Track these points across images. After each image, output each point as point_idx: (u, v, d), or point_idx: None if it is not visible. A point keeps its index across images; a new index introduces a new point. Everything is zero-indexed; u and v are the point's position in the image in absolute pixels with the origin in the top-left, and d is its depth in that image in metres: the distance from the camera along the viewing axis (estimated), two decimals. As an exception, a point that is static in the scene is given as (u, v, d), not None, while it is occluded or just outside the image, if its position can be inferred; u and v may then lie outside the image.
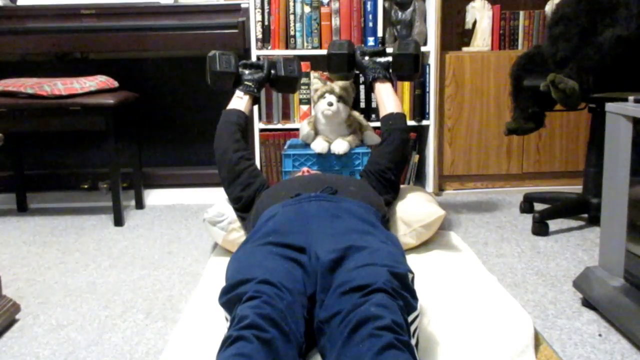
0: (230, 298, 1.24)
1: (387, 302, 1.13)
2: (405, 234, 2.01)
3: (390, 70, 2.19)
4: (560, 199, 2.59)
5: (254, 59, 2.81)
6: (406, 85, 2.87)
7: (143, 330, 1.62)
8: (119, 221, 2.60)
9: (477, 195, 3.00)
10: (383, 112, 2.17)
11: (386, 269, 1.22)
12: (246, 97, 2.17)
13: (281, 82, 2.23)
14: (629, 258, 1.58)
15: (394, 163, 2.05)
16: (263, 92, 2.83)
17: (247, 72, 2.21)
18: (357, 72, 2.28)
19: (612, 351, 1.45)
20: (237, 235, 2.02)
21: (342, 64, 2.17)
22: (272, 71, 2.22)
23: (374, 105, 2.87)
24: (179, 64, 3.14)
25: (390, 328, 1.06)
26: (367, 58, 2.20)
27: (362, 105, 2.87)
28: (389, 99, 2.17)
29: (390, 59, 2.18)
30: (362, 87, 2.85)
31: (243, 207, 1.97)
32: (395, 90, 2.82)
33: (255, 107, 2.81)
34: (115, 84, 2.75)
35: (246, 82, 2.18)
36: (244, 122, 2.14)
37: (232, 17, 2.81)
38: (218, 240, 2.08)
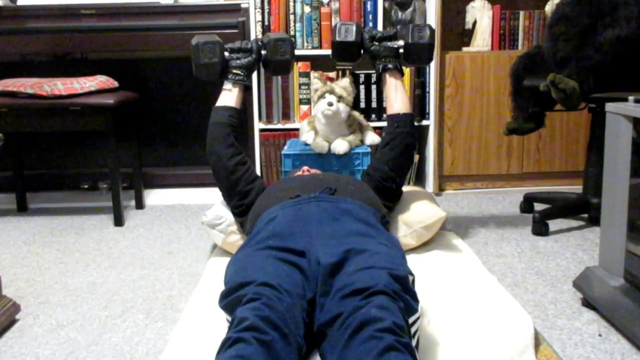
0: (230, 301, 1.23)
1: (387, 305, 1.12)
2: (406, 235, 2.01)
3: (402, 57, 2.07)
4: (560, 199, 2.59)
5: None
6: (406, 86, 2.87)
7: (143, 330, 1.62)
8: (119, 221, 2.60)
9: (477, 195, 2.99)
10: (390, 110, 2.06)
11: (386, 272, 1.21)
12: (235, 89, 2.02)
13: (273, 64, 2.06)
14: (629, 258, 1.58)
15: (395, 171, 1.98)
16: (263, 93, 2.83)
17: (234, 57, 2.03)
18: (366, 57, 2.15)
19: (612, 351, 1.45)
20: (236, 237, 2.02)
21: (349, 51, 2.06)
22: (263, 51, 2.05)
23: (374, 105, 2.87)
24: (179, 64, 3.14)
25: (391, 330, 1.06)
26: (376, 43, 2.05)
27: (362, 105, 2.86)
28: (397, 95, 2.04)
29: (401, 42, 2.04)
30: (362, 87, 2.85)
31: (242, 212, 1.95)
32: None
33: (255, 107, 2.81)
34: (115, 84, 2.75)
35: (234, 71, 2.01)
36: (236, 120, 2.01)
37: (232, 17, 2.81)
38: (217, 243, 2.08)
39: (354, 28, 2.04)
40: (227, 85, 2.03)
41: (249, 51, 2.03)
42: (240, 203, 1.94)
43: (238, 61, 2.02)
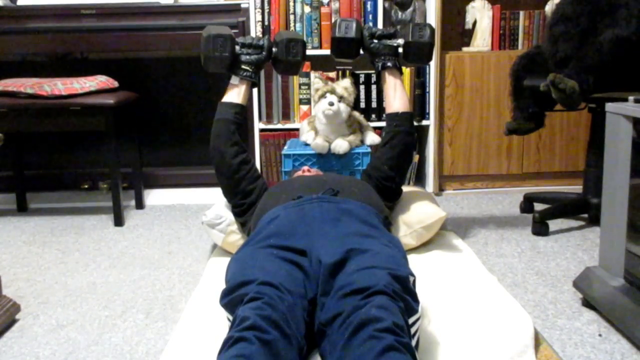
0: (231, 299, 1.24)
1: (387, 304, 1.12)
2: (406, 235, 2.01)
3: (401, 57, 2.05)
4: (560, 199, 2.59)
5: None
6: (406, 86, 2.87)
7: (143, 330, 1.62)
8: (119, 221, 2.60)
9: (477, 195, 2.99)
10: (389, 109, 2.06)
11: (387, 272, 1.21)
12: (243, 85, 1.99)
13: (283, 64, 2.04)
14: (629, 258, 1.58)
15: (395, 170, 1.99)
16: (263, 93, 2.83)
17: (244, 52, 2.00)
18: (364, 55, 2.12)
19: (612, 351, 1.45)
20: (237, 237, 2.02)
21: (348, 48, 2.03)
22: (274, 49, 2.02)
23: (374, 105, 2.87)
24: (179, 64, 3.14)
25: (391, 330, 1.06)
26: (375, 41, 2.03)
27: (362, 105, 2.86)
28: (396, 94, 2.04)
29: (400, 41, 2.02)
30: (362, 87, 2.85)
31: (243, 212, 1.95)
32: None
33: (255, 107, 2.81)
34: (115, 84, 2.75)
35: (243, 66, 1.98)
36: (242, 116, 2.00)
37: (232, 17, 2.81)
38: (217, 242, 2.08)
39: (354, 25, 2.01)
40: (235, 81, 2.00)
41: (260, 48, 2.00)
42: (242, 202, 1.94)
43: (248, 57, 1.99)
